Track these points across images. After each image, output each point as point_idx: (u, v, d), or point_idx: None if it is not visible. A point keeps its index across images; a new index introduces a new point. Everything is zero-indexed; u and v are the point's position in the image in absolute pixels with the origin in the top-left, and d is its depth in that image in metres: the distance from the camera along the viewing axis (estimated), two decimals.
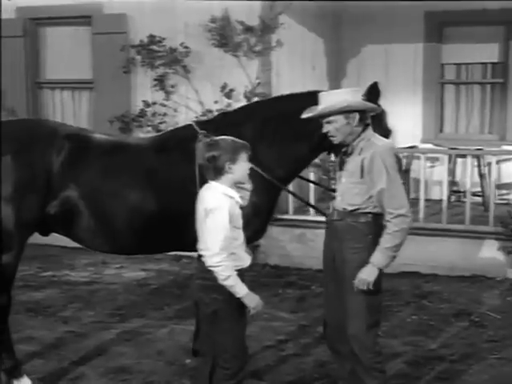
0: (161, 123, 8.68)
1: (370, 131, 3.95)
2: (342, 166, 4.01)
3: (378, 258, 3.83)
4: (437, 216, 8.24)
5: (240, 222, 3.72)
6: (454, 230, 7.86)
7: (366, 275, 3.83)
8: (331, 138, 3.94)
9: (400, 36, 10.12)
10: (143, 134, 8.34)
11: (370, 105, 3.94)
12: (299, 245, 8.23)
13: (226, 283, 3.59)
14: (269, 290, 7.30)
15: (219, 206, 3.58)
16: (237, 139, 3.72)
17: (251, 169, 3.78)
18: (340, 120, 3.85)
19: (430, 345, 5.63)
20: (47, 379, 4.95)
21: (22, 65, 9.54)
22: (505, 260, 7.57)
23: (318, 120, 3.98)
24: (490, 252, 7.64)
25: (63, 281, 7.75)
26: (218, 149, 3.62)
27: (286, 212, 8.48)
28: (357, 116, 3.85)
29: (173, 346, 5.59)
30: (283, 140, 4.58)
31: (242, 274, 3.73)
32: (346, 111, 3.83)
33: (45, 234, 4.69)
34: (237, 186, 3.75)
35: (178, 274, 7.91)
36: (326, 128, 3.92)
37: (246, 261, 3.79)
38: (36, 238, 4.76)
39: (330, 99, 3.88)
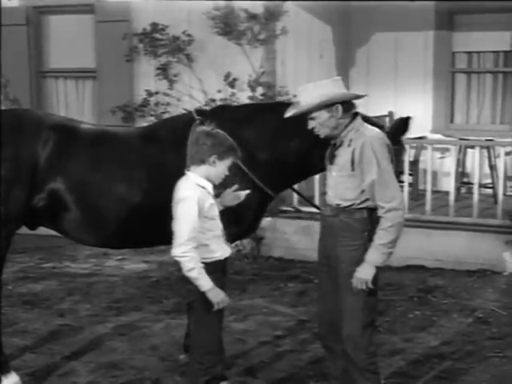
0: (164, 113, 8.56)
1: (358, 121, 3.76)
2: (332, 159, 3.84)
3: (374, 255, 3.67)
4: (445, 208, 8.06)
5: (214, 213, 3.66)
6: (461, 223, 7.69)
7: (363, 274, 3.68)
8: (317, 133, 3.78)
9: (410, 24, 9.92)
10: (146, 124, 8.24)
11: (349, 94, 3.76)
12: (304, 237, 8.09)
13: (190, 275, 3.53)
14: (270, 283, 7.21)
15: (188, 196, 3.53)
16: (235, 145, 3.66)
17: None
18: (322, 115, 3.69)
19: (430, 342, 5.48)
20: (36, 374, 4.87)
21: (26, 54, 9.47)
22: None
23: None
24: (497, 246, 7.46)
25: (63, 272, 7.68)
26: (214, 139, 3.58)
27: (291, 204, 8.34)
28: (339, 108, 3.67)
29: (167, 342, 5.49)
30: (282, 142, 4.44)
31: (221, 265, 3.69)
32: (326, 105, 3.67)
33: (32, 227, 4.57)
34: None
35: (176, 268, 7.79)
36: (311, 124, 3.76)
37: (221, 253, 3.71)
38: (40, 229, 4.67)
39: (307, 94, 3.71)
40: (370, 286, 3.69)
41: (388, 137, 3.85)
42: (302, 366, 5.02)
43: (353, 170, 3.69)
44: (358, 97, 3.77)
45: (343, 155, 3.73)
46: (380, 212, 3.66)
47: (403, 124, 4.15)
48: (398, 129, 4.13)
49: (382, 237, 3.64)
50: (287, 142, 4.43)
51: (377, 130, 3.79)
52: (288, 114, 3.86)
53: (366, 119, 3.95)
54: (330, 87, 3.70)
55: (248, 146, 4.31)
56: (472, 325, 5.89)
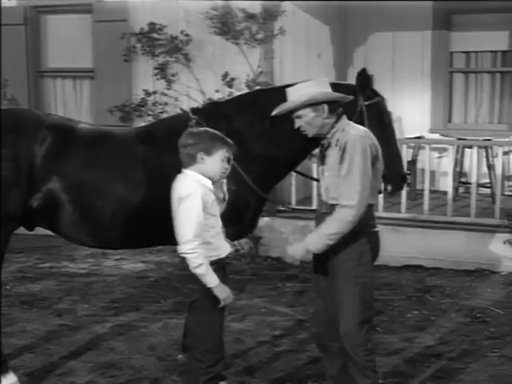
0: (162, 112, 8.56)
1: (343, 121, 3.82)
2: (322, 159, 3.89)
3: (312, 240, 3.72)
4: (443, 208, 8.08)
5: (215, 210, 3.67)
6: (459, 223, 7.70)
7: (293, 251, 3.80)
8: (304, 133, 3.83)
9: (408, 23, 9.94)
10: (144, 124, 8.24)
11: (334, 95, 3.80)
12: (302, 237, 8.02)
13: (197, 271, 3.54)
14: (268, 283, 7.21)
15: (191, 193, 3.53)
16: (222, 135, 3.65)
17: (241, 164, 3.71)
18: (308, 114, 3.74)
19: (428, 341, 5.48)
20: (35, 374, 4.86)
21: (23, 53, 9.45)
22: (511, 254, 7.39)
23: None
24: (495, 245, 7.47)
25: (61, 272, 7.68)
26: (196, 137, 3.61)
27: (289, 203, 8.34)
28: (325, 107, 3.73)
29: (165, 341, 5.49)
30: (276, 132, 4.43)
31: (221, 263, 3.70)
32: (312, 104, 3.72)
33: (30, 228, 4.57)
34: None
35: (177, 267, 7.79)
36: (297, 123, 3.82)
37: (223, 250, 3.73)
38: (38, 229, 4.65)
39: (295, 94, 3.79)
40: (297, 263, 3.73)
41: (361, 92, 4.17)
42: (301, 365, 5.02)
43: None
44: (343, 98, 3.82)
45: (332, 155, 3.78)
46: (338, 204, 3.69)
47: (361, 76, 4.28)
48: (359, 82, 4.27)
49: (327, 227, 3.68)
50: (281, 126, 4.39)
51: (361, 128, 3.82)
52: (274, 112, 3.92)
53: (338, 85, 4.07)
54: (315, 87, 3.77)
55: (243, 138, 4.30)
56: (470, 324, 5.90)
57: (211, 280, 3.56)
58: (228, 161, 3.66)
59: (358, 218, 3.64)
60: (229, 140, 3.65)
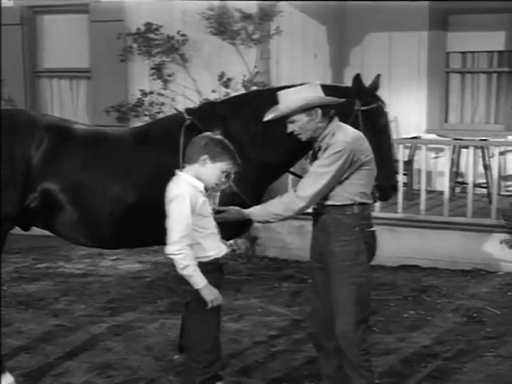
0: (158, 113, 8.57)
1: (335, 123, 3.81)
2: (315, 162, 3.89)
3: (255, 213, 3.84)
4: (440, 208, 8.08)
5: (207, 211, 3.65)
6: (456, 223, 7.71)
7: (230, 215, 3.86)
8: (298, 137, 3.84)
9: (404, 24, 9.94)
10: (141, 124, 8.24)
11: (328, 99, 3.81)
12: (298, 237, 8.09)
13: (184, 272, 3.52)
14: (265, 283, 7.22)
15: (180, 194, 3.53)
16: (235, 153, 3.64)
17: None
18: (302, 118, 3.76)
19: (424, 341, 5.48)
20: (31, 375, 4.86)
21: (20, 53, 9.47)
22: (507, 254, 7.39)
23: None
24: (491, 245, 7.49)
25: (58, 273, 7.68)
26: (211, 141, 3.61)
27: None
28: (319, 111, 3.74)
29: (162, 341, 5.48)
30: (270, 133, 4.42)
31: (218, 264, 3.70)
32: (306, 108, 3.73)
33: (25, 228, 4.56)
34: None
35: (172, 267, 7.78)
36: (290, 128, 3.83)
37: (217, 251, 3.71)
38: (35, 229, 4.64)
39: (288, 98, 3.79)
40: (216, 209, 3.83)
41: (358, 97, 4.19)
42: (297, 365, 5.02)
43: None
44: (337, 101, 3.83)
45: None
46: (294, 191, 3.78)
47: (357, 80, 4.29)
48: (354, 87, 4.27)
49: (275, 206, 3.77)
50: (276, 128, 4.38)
51: (352, 132, 3.80)
52: (268, 117, 3.93)
53: (333, 88, 4.16)
54: (309, 91, 3.77)
55: (239, 139, 4.29)
56: (466, 324, 5.90)
57: (198, 281, 3.53)
58: (227, 176, 3.66)
59: (303, 210, 3.74)
60: (238, 160, 3.64)
